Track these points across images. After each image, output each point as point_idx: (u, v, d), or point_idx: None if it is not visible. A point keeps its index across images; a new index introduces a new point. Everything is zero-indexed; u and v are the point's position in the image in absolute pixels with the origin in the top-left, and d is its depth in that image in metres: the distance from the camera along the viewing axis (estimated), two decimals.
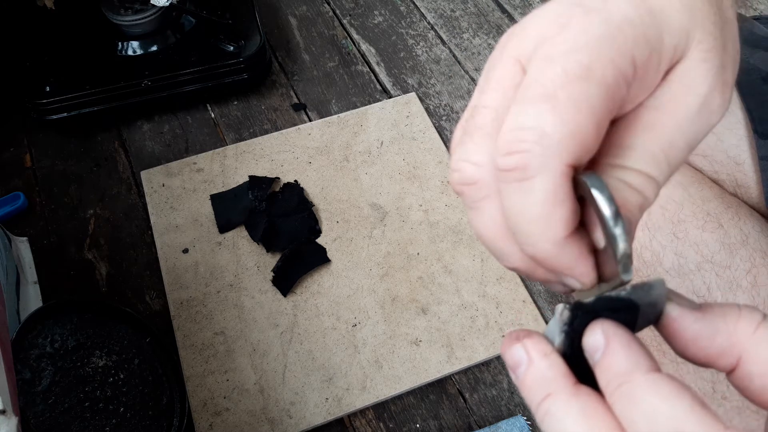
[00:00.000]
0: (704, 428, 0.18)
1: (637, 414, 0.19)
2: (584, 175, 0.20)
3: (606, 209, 0.20)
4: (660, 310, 0.22)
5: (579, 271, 0.22)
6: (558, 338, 0.22)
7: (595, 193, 0.20)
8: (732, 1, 0.25)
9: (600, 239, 0.22)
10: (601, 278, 0.22)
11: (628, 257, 0.20)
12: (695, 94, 0.22)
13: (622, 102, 0.21)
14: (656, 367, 0.20)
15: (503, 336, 0.75)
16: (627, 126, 0.22)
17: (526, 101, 0.21)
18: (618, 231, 0.20)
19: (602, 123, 0.21)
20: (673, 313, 0.22)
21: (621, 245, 0.20)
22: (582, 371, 0.21)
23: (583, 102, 0.20)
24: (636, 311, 0.22)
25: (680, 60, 0.22)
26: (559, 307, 0.22)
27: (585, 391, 0.21)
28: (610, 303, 0.22)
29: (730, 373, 0.22)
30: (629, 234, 0.21)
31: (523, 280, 0.80)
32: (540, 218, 0.21)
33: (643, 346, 0.21)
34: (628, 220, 0.21)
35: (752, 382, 0.21)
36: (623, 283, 0.21)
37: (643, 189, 0.22)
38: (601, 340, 0.21)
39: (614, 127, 0.23)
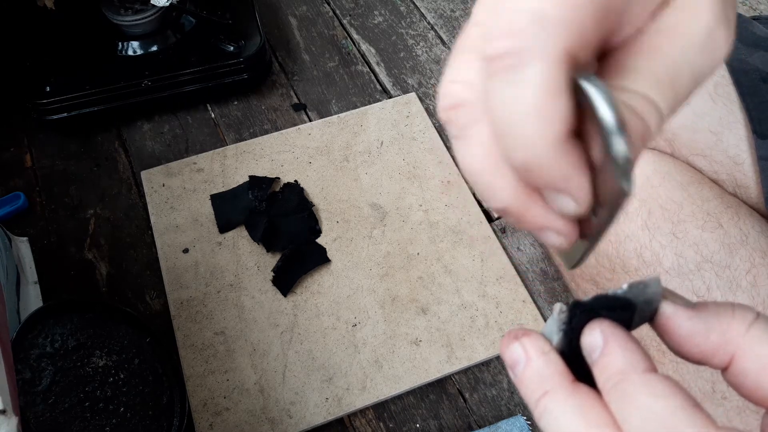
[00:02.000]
0: (695, 426, 0.18)
1: (632, 411, 0.19)
2: (583, 77, 0.18)
3: (605, 111, 0.17)
4: (655, 308, 0.23)
5: (576, 183, 0.19)
6: (556, 337, 0.22)
7: (592, 92, 0.18)
8: None
9: (598, 153, 0.19)
10: (597, 202, 0.20)
11: (628, 162, 0.18)
12: (701, 22, 0.20)
13: (621, 5, 0.19)
14: (652, 367, 0.21)
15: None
16: (629, 50, 0.20)
17: None
18: (617, 134, 0.17)
19: (601, 12, 0.18)
20: (668, 310, 0.23)
21: (620, 148, 0.17)
22: (580, 369, 0.22)
23: None
24: (632, 309, 0.22)
25: None
26: (557, 306, 0.23)
27: (582, 388, 0.21)
28: (607, 301, 0.22)
29: (724, 370, 0.22)
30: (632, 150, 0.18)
31: (523, 280, 0.80)
32: (535, 112, 0.18)
33: (640, 346, 0.21)
34: (633, 137, 0.19)
35: (746, 379, 0.21)
36: (624, 195, 0.18)
37: (646, 115, 0.19)
38: (600, 339, 0.21)
39: (615, 52, 0.21)
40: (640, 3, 0.20)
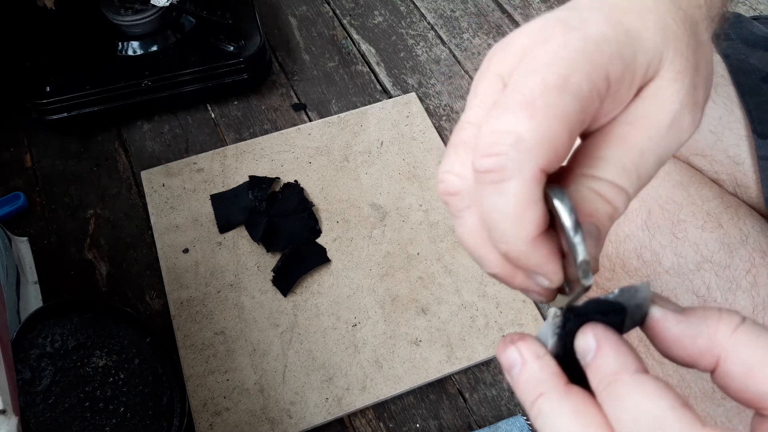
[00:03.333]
0: (684, 426, 0.19)
1: (623, 411, 0.20)
2: (549, 188, 0.22)
3: (566, 219, 0.21)
4: (645, 312, 0.24)
5: (548, 269, 0.23)
6: (551, 341, 0.23)
7: (557, 204, 0.21)
8: (707, 25, 0.27)
9: (566, 247, 0.23)
10: (567, 281, 0.24)
11: (586, 264, 0.22)
12: (666, 111, 0.23)
13: (595, 114, 0.22)
14: (643, 368, 0.21)
15: (503, 336, 0.76)
16: (600, 139, 0.24)
17: (504, 107, 0.22)
18: (577, 239, 0.21)
19: (574, 132, 0.22)
20: (657, 314, 0.23)
21: (580, 252, 0.21)
22: (574, 372, 0.23)
23: (559, 110, 0.21)
24: (623, 313, 0.23)
25: (653, 78, 0.23)
26: (552, 310, 0.24)
27: (576, 390, 0.22)
28: (599, 306, 0.23)
29: (712, 373, 0.23)
30: (597, 240, 0.23)
31: None
32: (513, 218, 0.22)
33: (632, 348, 0.22)
34: (597, 229, 0.23)
35: (732, 381, 0.22)
36: (585, 289, 0.22)
37: (612, 199, 0.23)
38: (593, 342, 0.22)
39: (588, 140, 0.24)
40: (615, 101, 0.23)
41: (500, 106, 0.22)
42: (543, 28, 0.23)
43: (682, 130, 0.24)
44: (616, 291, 0.23)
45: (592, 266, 0.22)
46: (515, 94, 0.22)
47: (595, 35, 0.22)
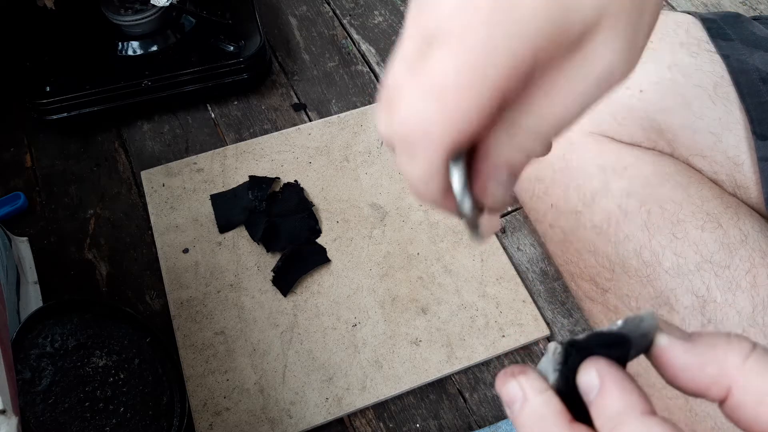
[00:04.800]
0: None
1: None
2: (452, 162, 0.24)
3: (456, 190, 0.25)
4: (651, 340, 0.23)
5: (451, 209, 0.26)
6: (552, 376, 0.23)
7: (452, 178, 0.24)
8: None
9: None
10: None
11: (468, 220, 0.26)
12: (599, 64, 0.23)
13: (518, 84, 0.22)
14: (650, 410, 0.21)
15: (503, 336, 0.76)
16: (531, 88, 0.23)
17: (419, 88, 0.22)
18: (464, 207, 0.25)
19: (488, 109, 0.22)
20: (663, 342, 0.23)
21: (464, 214, 0.25)
22: (577, 408, 0.22)
23: (472, 99, 0.22)
24: (628, 345, 0.22)
25: (588, 30, 0.22)
26: (552, 345, 0.23)
27: (580, 429, 0.21)
28: (602, 338, 0.22)
29: (721, 403, 0.22)
30: (507, 185, 0.25)
31: (523, 280, 0.80)
32: (421, 182, 0.25)
33: (638, 386, 0.21)
34: (509, 176, 0.25)
35: (744, 413, 0.21)
36: (472, 225, 0.26)
37: (529, 149, 0.25)
38: (596, 380, 0.21)
39: (521, 88, 0.24)
40: (543, 67, 0.23)
41: (416, 79, 0.23)
42: None
43: (615, 79, 0.23)
44: (620, 322, 0.22)
45: (499, 204, 0.26)
46: (431, 75, 0.22)
47: (522, 9, 0.21)
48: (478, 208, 0.26)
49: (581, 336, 0.22)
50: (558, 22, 0.21)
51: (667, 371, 0.23)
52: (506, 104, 0.23)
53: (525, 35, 0.21)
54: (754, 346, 0.22)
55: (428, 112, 0.22)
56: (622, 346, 0.22)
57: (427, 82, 0.22)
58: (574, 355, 0.22)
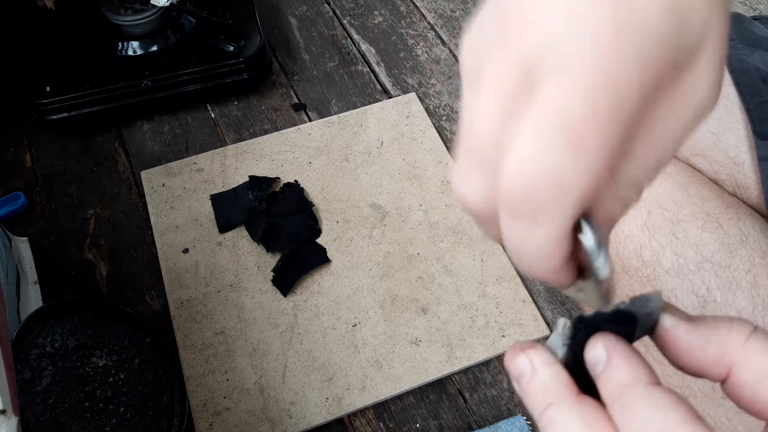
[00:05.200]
0: None
1: (634, 424, 0.20)
2: (582, 220, 0.21)
3: (592, 253, 0.21)
4: (656, 321, 0.23)
5: (566, 284, 0.22)
6: (560, 351, 0.23)
7: (583, 237, 0.21)
8: None
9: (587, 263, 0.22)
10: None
11: (608, 282, 0.22)
12: (699, 95, 0.20)
13: (643, 113, 0.19)
14: (655, 380, 0.21)
15: (503, 336, 0.76)
16: (642, 125, 0.20)
17: (537, 131, 0.18)
18: (600, 265, 0.21)
19: (620, 151, 0.19)
20: (667, 323, 0.23)
21: (601, 275, 0.21)
22: (584, 382, 0.22)
23: (608, 143, 0.18)
24: (634, 323, 0.23)
25: (696, 51, 0.19)
26: (561, 321, 0.23)
27: (587, 401, 0.21)
28: (610, 316, 0.23)
29: (723, 383, 0.22)
30: (607, 237, 0.22)
31: (523, 280, 0.80)
32: (541, 256, 0.20)
33: (643, 360, 0.22)
34: (609, 228, 0.22)
35: (744, 392, 0.21)
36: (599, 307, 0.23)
37: (630, 198, 0.21)
38: (603, 354, 0.22)
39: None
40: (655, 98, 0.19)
41: (533, 128, 0.18)
42: (588, 4, 0.17)
43: (708, 111, 0.20)
44: (627, 301, 0.23)
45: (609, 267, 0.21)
46: (549, 110, 0.18)
47: (649, 26, 0.17)
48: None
49: (589, 313, 0.23)
50: (679, 32, 0.18)
51: (670, 351, 0.23)
52: (630, 139, 0.20)
53: (653, 42, 0.17)
54: (755, 328, 0.22)
55: (558, 158, 0.18)
56: (628, 324, 0.23)
57: (548, 121, 0.18)
58: (582, 330, 0.22)
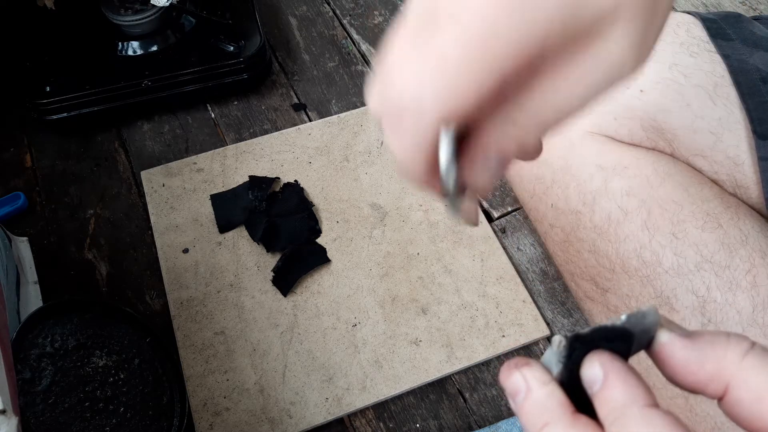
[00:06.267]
0: None
1: None
2: (443, 130, 0.24)
3: (442, 163, 0.24)
4: (652, 336, 0.23)
5: (433, 188, 0.26)
6: (556, 368, 0.23)
7: (440, 149, 0.24)
8: None
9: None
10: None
11: (448, 202, 0.26)
12: (610, 57, 0.22)
13: (522, 71, 0.22)
14: (652, 401, 0.21)
15: (503, 336, 0.76)
16: (534, 78, 0.23)
17: (420, 61, 0.22)
18: (447, 181, 0.25)
19: (486, 93, 0.22)
20: (663, 338, 0.23)
21: (447, 189, 0.25)
22: (580, 400, 0.22)
23: (472, 76, 0.21)
24: (631, 339, 0.23)
25: (604, 23, 0.22)
26: (556, 338, 0.23)
27: (582, 420, 0.21)
28: (606, 333, 0.23)
29: (720, 400, 0.22)
30: (495, 170, 0.25)
31: (523, 280, 0.80)
32: (407, 154, 0.24)
33: (641, 379, 0.22)
34: (500, 161, 0.25)
35: (742, 409, 0.21)
36: (453, 203, 0.26)
37: (524, 141, 0.24)
38: (599, 372, 0.22)
39: (525, 74, 0.23)
40: (547, 58, 0.22)
41: (418, 52, 0.22)
42: None
43: (623, 74, 0.23)
44: (623, 317, 0.22)
45: (481, 189, 0.26)
46: (432, 44, 0.22)
47: (540, 8, 0.20)
48: (461, 189, 0.26)
49: (585, 330, 0.23)
50: (572, 12, 0.21)
51: (666, 367, 0.23)
52: (507, 91, 0.23)
53: (536, 21, 0.21)
54: (753, 344, 0.22)
55: (424, 81, 0.22)
56: (625, 341, 0.22)
57: (429, 55, 0.22)
58: (578, 348, 0.22)
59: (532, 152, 0.26)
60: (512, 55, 0.21)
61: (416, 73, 0.22)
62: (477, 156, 0.25)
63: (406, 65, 0.22)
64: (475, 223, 0.28)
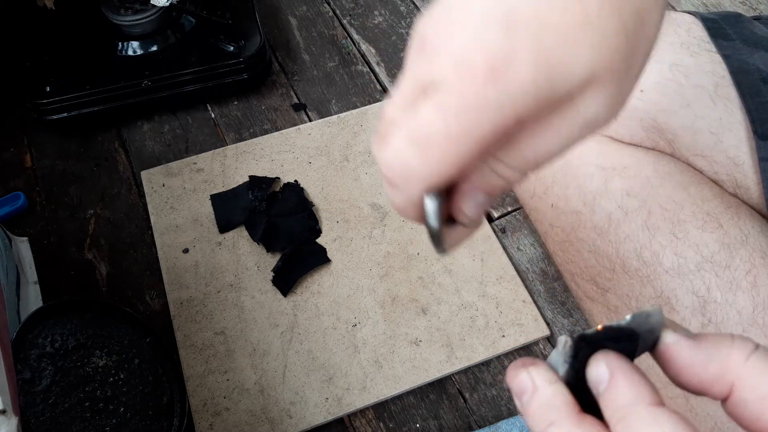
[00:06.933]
0: None
1: None
2: (428, 195, 0.26)
3: (431, 226, 0.27)
4: (657, 337, 0.23)
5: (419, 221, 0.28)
6: (562, 368, 0.23)
7: (425, 208, 0.26)
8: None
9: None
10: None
11: (434, 237, 0.28)
12: (585, 116, 0.24)
13: (501, 138, 0.24)
14: (658, 400, 0.21)
15: (503, 336, 0.76)
16: (513, 137, 0.25)
17: (406, 134, 0.24)
18: (430, 222, 0.27)
19: (468, 162, 0.24)
20: (668, 339, 0.23)
21: (431, 230, 0.27)
22: (586, 400, 0.22)
23: (454, 152, 0.23)
24: (636, 339, 0.23)
25: (578, 91, 0.23)
26: (562, 338, 0.23)
27: (588, 420, 0.21)
28: (611, 333, 0.23)
29: (724, 401, 0.22)
30: (482, 205, 0.27)
31: (523, 280, 0.80)
32: (399, 209, 0.27)
33: (646, 379, 0.22)
34: (485, 197, 0.27)
35: (745, 410, 0.21)
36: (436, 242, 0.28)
37: (508, 179, 0.26)
38: (605, 372, 0.22)
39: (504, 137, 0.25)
40: (526, 124, 0.24)
41: (406, 122, 0.24)
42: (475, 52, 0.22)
43: (598, 126, 0.25)
44: (629, 317, 0.23)
45: (470, 220, 0.28)
46: (419, 121, 0.23)
47: (517, 77, 0.22)
48: (450, 221, 0.28)
49: (591, 330, 0.23)
50: (548, 85, 0.22)
51: (671, 368, 0.23)
52: (488, 150, 0.25)
53: (514, 99, 0.22)
54: (757, 346, 0.22)
55: (410, 159, 0.24)
56: (630, 341, 0.23)
57: (414, 129, 0.24)
58: (584, 349, 0.22)
59: (519, 184, 0.27)
60: (492, 129, 0.22)
61: (403, 149, 0.24)
62: (465, 194, 0.27)
63: (396, 136, 0.24)
64: (455, 248, 0.30)
